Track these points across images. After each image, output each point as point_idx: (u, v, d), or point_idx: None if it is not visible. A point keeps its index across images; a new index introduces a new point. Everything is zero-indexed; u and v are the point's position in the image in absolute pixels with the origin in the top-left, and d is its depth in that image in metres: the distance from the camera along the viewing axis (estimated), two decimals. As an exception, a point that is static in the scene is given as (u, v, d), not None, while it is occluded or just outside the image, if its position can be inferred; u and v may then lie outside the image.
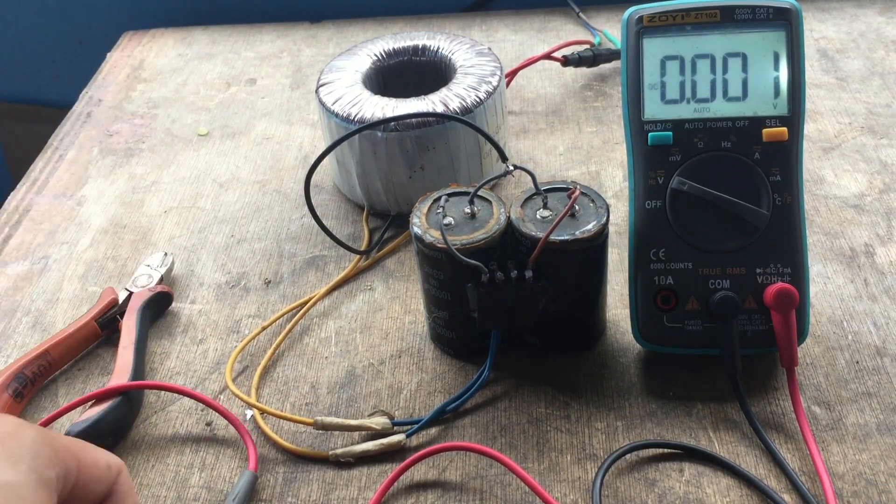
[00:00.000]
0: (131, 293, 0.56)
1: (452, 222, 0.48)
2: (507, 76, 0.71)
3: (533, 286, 0.47)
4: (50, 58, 1.04)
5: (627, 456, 0.45)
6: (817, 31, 0.82)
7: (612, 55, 0.77)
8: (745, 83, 0.47)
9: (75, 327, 0.54)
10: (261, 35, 0.91)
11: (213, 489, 0.46)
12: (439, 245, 0.47)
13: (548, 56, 0.76)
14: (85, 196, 0.70)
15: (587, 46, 0.78)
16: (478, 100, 0.61)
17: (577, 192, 0.48)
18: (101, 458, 0.32)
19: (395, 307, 0.57)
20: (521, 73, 0.76)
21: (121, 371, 0.51)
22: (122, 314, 0.55)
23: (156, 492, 0.47)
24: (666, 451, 0.46)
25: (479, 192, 0.49)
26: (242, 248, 0.63)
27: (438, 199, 0.50)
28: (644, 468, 0.45)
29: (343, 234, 0.63)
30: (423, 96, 0.61)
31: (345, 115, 0.60)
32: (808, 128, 0.69)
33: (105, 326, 0.55)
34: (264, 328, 0.55)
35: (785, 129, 0.46)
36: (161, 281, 0.58)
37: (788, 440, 0.46)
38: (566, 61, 0.76)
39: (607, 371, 0.51)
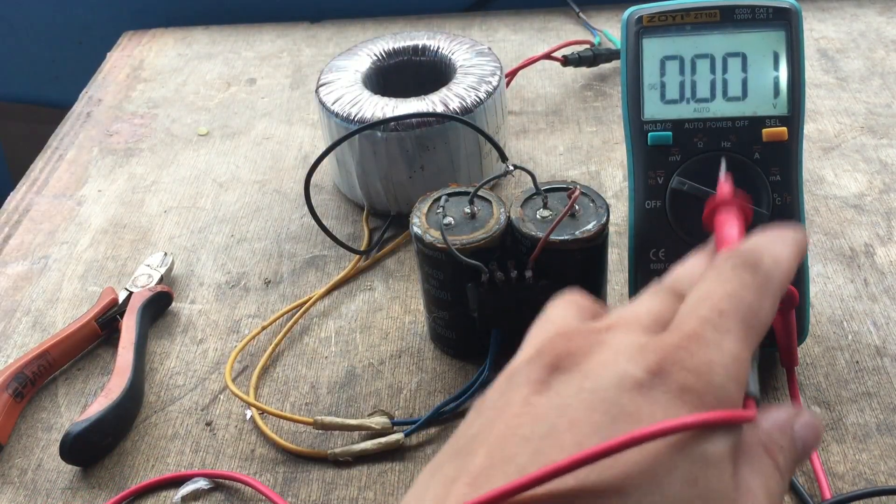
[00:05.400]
0: (131, 293, 0.56)
1: (452, 222, 0.48)
2: (507, 76, 0.71)
3: (533, 286, 0.47)
4: (50, 58, 1.04)
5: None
6: (817, 31, 0.82)
7: (612, 55, 0.77)
8: (744, 83, 0.47)
9: (75, 327, 0.54)
10: (261, 35, 0.91)
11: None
12: (439, 245, 0.47)
13: (548, 56, 0.76)
14: (85, 196, 0.70)
15: (587, 46, 0.78)
16: (478, 100, 0.61)
17: (577, 192, 0.48)
18: None
19: (395, 307, 0.57)
20: (521, 73, 0.76)
21: (121, 371, 0.51)
22: (122, 314, 0.55)
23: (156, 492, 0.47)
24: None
25: (479, 192, 0.49)
26: (242, 248, 0.63)
27: (438, 199, 0.50)
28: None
29: (343, 234, 0.63)
30: (423, 96, 0.61)
31: (345, 115, 0.60)
32: (808, 128, 0.69)
33: (105, 326, 0.55)
34: (264, 328, 0.55)
35: (785, 128, 0.46)
36: (161, 281, 0.58)
37: (788, 440, 0.46)
38: (566, 61, 0.76)
39: (607, 371, 0.50)
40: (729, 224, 0.35)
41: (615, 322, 0.27)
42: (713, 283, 0.27)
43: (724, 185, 0.39)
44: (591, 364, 0.25)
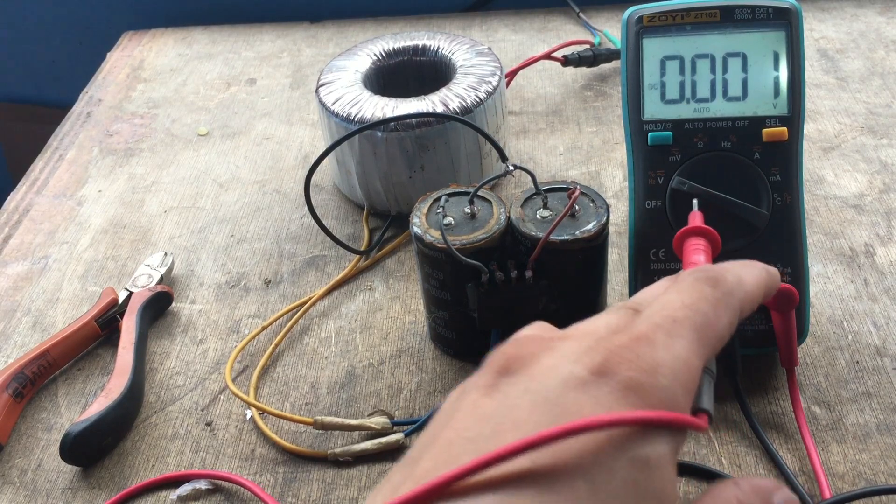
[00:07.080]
0: (131, 293, 0.56)
1: (452, 222, 0.48)
2: (507, 76, 0.71)
3: (533, 286, 0.47)
4: (50, 58, 1.04)
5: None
6: (817, 31, 0.82)
7: (612, 55, 0.77)
8: (744, 83, 0.47)
9: (75, 327, 0.54)
10: (261, 35, 0.91)
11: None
12: (439, 245, 0.47)
13: (548, 56, 0.76)
14: (85, 196, 0.70)
15: (587, 46, 0.78)
16: (478, 100, 0.61)
17: (577, 192, 0.48)
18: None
19: (395, 307, 0.57)
20: (521, 73, 0.76)
21: (121, 371, 0.51)
22: (122, 314, 0.55)
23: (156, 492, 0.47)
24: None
25: (479, 192, 0.49)
26: (242, 248, 0.63)
27: (438, 199, 0.50)
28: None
29: (343, 234, 0.63)
30: (423, 96, 0.61)
31: (345, 115, 0.60)
32: (808, 128, 0.69)
33: (105, 326, 0.55)
34: (264, 328, 0.55)
35: (785, 128, 0.46)
36: (161, 281, 0.58)
37: (788, 440, 0.46)
38: (566, 61, 0.76)
39: (607, 371, 0.50)
40: (697, 252, 0.37)
41: (570, 332, 0.28)
42: (672, 294, 0.28)
43: (695, 216, 0.41)
44: (539, 366, 0.25)
